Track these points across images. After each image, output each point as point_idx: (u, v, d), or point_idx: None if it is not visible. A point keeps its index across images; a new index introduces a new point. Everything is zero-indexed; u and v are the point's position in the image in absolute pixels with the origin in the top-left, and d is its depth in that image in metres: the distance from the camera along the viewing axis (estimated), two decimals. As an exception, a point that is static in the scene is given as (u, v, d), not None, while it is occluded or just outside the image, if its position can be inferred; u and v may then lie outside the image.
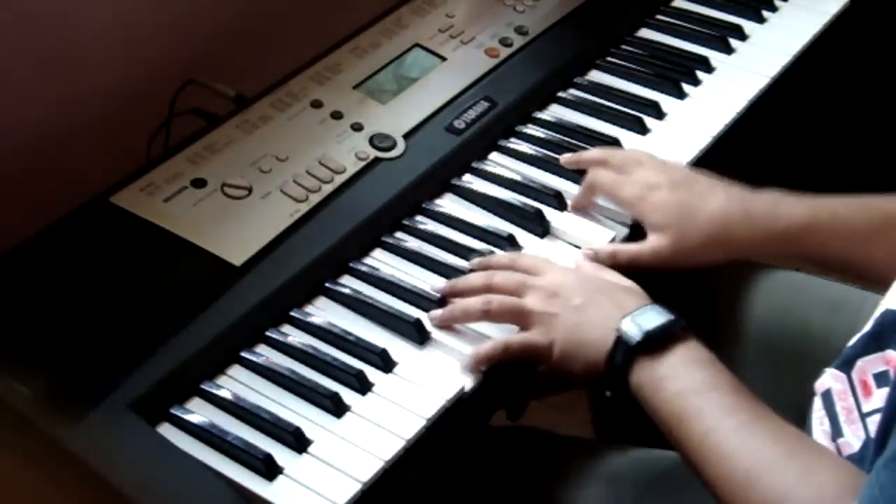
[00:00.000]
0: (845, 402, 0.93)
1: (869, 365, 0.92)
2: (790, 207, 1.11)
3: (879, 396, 0.89)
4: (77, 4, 1.25)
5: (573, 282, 1.05)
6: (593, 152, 1.20)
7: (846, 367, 0.94)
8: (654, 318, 0.98)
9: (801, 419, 0.97)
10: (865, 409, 0.91)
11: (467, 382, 1.01)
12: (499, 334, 1.04)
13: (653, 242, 1.12)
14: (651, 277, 1.08)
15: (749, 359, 1.20)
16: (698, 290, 1.25)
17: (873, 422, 0.88)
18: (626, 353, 0.97)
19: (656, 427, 0.96)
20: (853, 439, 0.91)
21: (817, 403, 0.96)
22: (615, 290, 1.04)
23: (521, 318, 1.04)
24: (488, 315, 1.04)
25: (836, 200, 1.12)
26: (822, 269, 1.14)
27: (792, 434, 0.90)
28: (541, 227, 1.16)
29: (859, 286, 1.21)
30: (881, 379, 0.90)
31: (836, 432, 0.93)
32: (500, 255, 1.11)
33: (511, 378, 1.04)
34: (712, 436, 0.90)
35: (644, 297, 1.04)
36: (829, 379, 0.95)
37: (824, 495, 0.84)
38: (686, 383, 0.94)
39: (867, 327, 0.94)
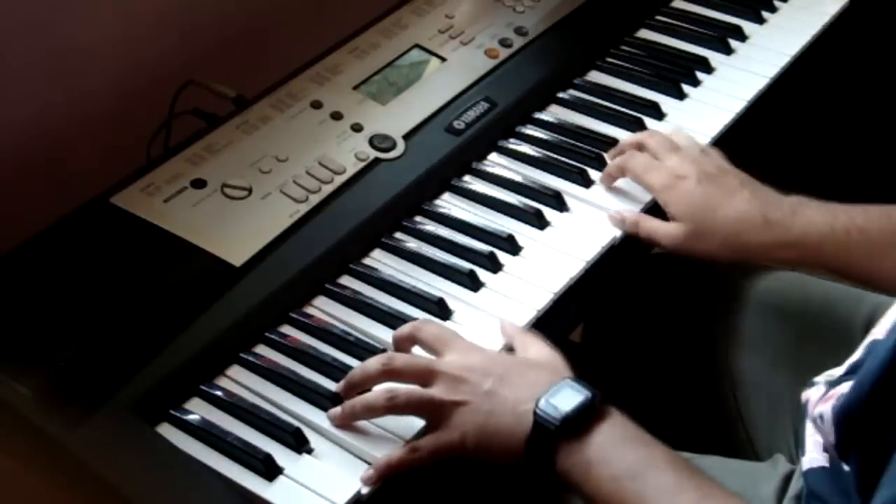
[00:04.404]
0: None
1: None
2: (807, 216, 1.09)
3: None
4: (77, 5, 1.26)
5: (480, 362, 0.96)
6: (633, 136, 1.21)
7: (833, 387, 0.93)
8: (570, 397, 0.90)
9: (799, 419, 0.97)
10: None
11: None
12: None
13: (672, 229, 1.13)
14: (651, 282, 1.08)
15: (748, 359, 1.20)
16: (698, 290, 1.26)
17: None
18: (547, 439, 0.90)
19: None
20: None
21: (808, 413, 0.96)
22: (527, 368, 0.96)
23: (428, 411, 0.95)
24: (394, 410, 0.95)
25: (858, 209, 1.09)
26: (843, 279, 1.12)
27: None
28: (540, 228, 1.16)
29: (856, 286, 1.21)
30: None
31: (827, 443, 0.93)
32: (402, 327, 1.01)
33: None
34: None
35: (560, 370, 0.96)
36: (815, 393, 0.95)
37: None
38: (619, 467, 0.88)
39: (856, 356, 0.93)
